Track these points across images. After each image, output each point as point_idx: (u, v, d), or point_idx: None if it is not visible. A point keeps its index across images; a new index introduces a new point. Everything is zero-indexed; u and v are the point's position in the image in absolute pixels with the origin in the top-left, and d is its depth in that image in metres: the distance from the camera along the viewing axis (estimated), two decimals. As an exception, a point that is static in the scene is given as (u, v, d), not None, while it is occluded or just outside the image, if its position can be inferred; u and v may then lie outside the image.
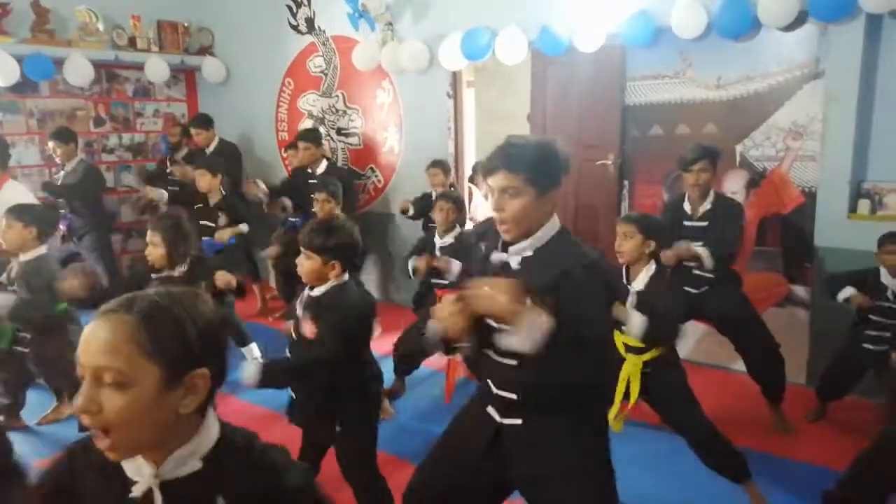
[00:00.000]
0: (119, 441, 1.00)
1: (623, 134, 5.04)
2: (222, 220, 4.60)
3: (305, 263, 2.38)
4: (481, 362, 1.89)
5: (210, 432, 1.09)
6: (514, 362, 1.75)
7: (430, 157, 5.39)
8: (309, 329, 2.37)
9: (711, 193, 3.45)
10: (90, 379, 0.98)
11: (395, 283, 5.81)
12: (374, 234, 5.82)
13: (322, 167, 5.16)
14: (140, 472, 1.07)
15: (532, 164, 1.72)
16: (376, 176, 5.82)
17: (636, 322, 2.59)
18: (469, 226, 4.41)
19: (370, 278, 5.87)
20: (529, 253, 1.78)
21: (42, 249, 3.31)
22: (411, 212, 4.94)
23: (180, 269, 3.09)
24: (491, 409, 1.89)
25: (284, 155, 6.17)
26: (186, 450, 1.06)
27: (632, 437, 3.07)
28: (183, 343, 1.02)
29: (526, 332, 1.50)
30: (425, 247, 3.98)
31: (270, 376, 2.26)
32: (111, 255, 5.58)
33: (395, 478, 2.46)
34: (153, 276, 3.12)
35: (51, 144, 5.12)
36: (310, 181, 5.00)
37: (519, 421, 1.83)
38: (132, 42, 6.06)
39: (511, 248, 1.81)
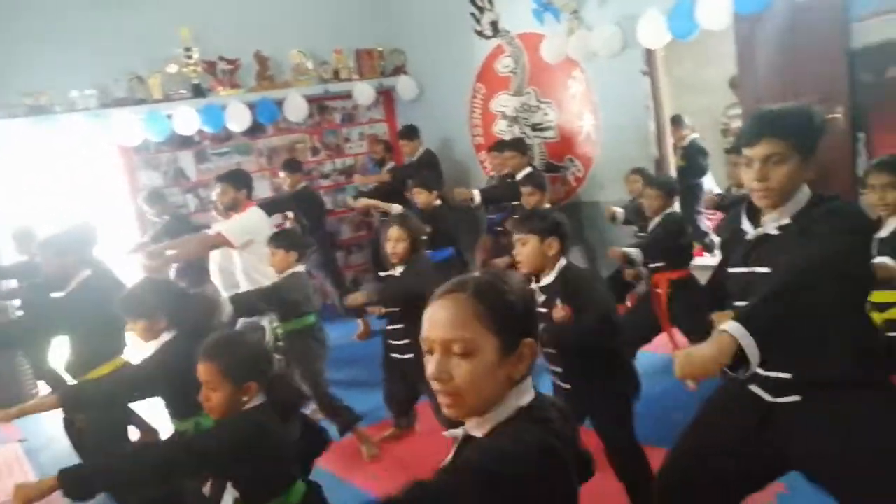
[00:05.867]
0: (466, 404, 1.11)
1: (852, 82, 4.53)
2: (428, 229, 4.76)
3: (523, 250, 2.46)
4: None
5: (507, 407, 1.12)
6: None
7: (630, 140, 5.26)
8: (559, 314, 2.41)
9: None
10: (440, 351, 1.11)
11: (599, 273, 5.70)
12: (576, 223, 5.77)
13: (522, 174, 5.23)
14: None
15: (797, 129, 1.68)
16: (575, 166, 5.79)
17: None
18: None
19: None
20: (787, 220, 1.72)
21: (299, 267, 3.60)
22: (620, 218, 4.67)
23: (401, 269, 3.19)
24: (756, 389, 1.78)
25: (483, 158, 6.36)
26: (485, 417, 1.13)
27: None
28: (512, 313, 1.11)
29: (751, 358, 1.47)
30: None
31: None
32: (337, 270, 6.06)
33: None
34: (381, 274, 3.31)
35: (282, 174, 5.72)
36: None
37: (796, 398, 1.72)
38: (336, 74, 6.62)
39: (765, 219, 1.77)
